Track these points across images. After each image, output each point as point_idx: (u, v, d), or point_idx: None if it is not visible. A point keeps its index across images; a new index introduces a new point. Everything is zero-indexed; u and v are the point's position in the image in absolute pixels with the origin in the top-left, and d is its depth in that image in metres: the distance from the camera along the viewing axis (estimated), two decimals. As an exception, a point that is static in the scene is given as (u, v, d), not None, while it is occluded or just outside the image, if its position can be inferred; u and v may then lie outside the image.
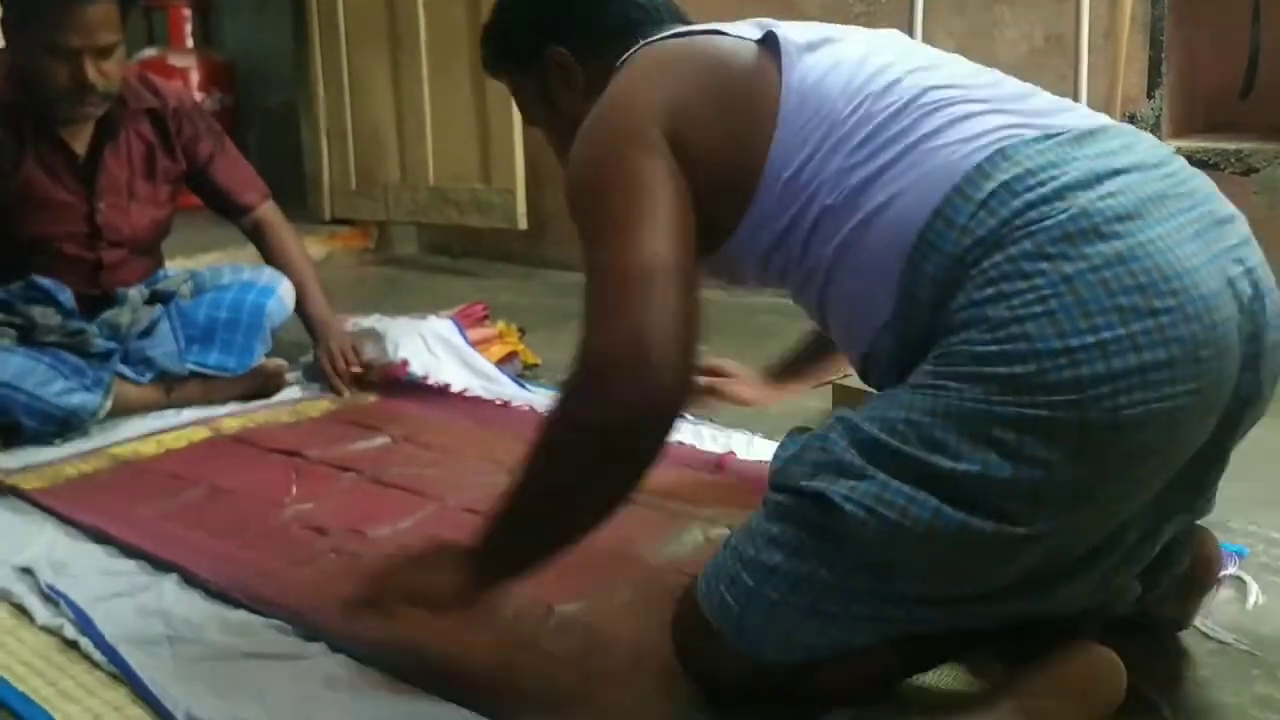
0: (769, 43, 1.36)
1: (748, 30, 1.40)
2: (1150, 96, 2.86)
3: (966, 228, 1.18)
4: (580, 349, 1.22)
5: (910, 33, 2.41)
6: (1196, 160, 2.79)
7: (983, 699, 1.29)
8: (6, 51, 2.40)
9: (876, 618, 1.23)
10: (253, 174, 2.72)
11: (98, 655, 1.48)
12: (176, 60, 5.14)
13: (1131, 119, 2.86)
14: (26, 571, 1.69)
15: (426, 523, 1.86)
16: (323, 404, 2.52)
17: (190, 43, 5.36)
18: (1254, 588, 1.60)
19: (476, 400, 2.50)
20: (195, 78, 5.13)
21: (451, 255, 4.43)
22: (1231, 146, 2.77)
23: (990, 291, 1.15)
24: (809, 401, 2.41)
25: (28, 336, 2.36)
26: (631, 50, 1.42)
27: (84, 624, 1.54)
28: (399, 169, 4.31)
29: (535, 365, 2.83)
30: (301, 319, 2.67)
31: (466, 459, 2.14)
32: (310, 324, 2.66)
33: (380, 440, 2.28)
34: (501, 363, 2.72)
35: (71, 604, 1.58)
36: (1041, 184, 1.17)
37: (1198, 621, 1.49)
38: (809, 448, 1.25)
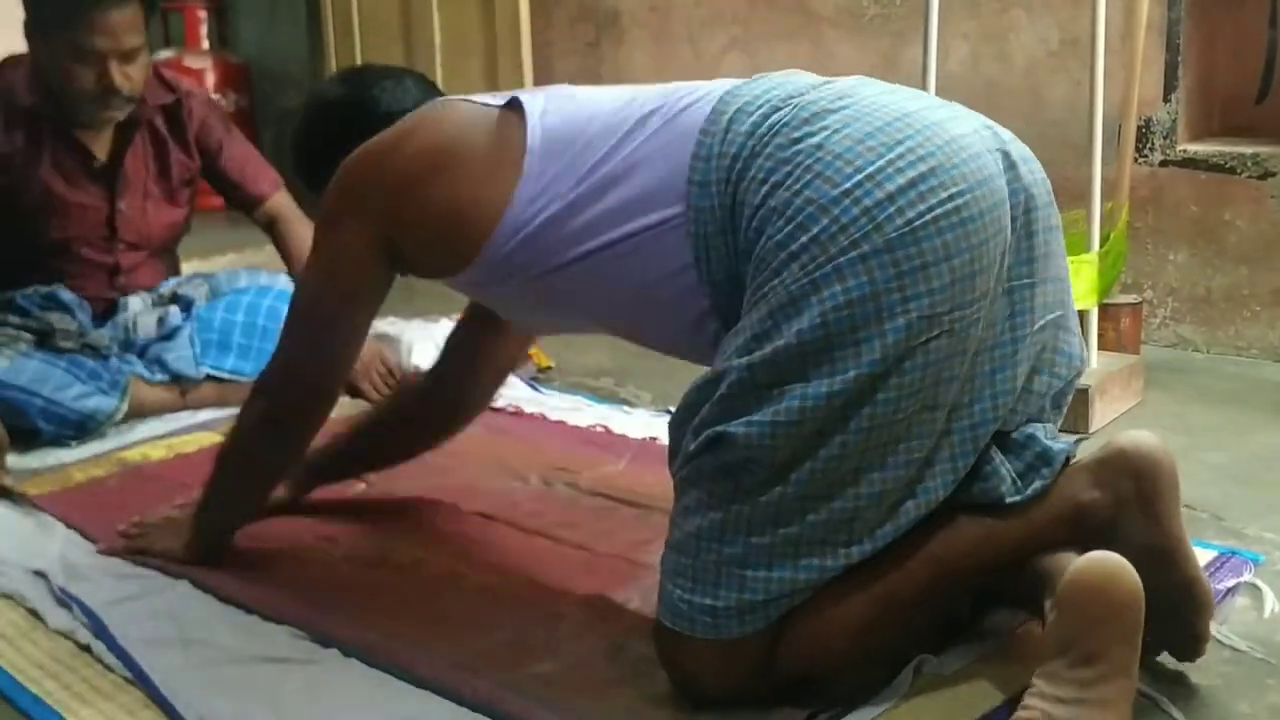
0: (513, 105, 1.54)
1: (491, 100, 1.58)
2: (1166, 100, 2.85)
3: (721, 153, 1.35)
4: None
5: (925, 36, 2.40)
6: (1213, 164, 2.78)
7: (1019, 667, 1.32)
8: (28, 55, 2.41)
9: (803, 536, 1.27)
10: (264, 163, 2.72)
11: (111, 659, 1.48)
12: (192, 61, 5.16)
13: (1147, 123, 2.85)
14: (40, 575, 1.70)
15: (438, 531, 1.86)
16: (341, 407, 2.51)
17: (206, 44, 5.37)
18: (1269, 595, 1.59)
19: (489, 407, 2.49)
20: (211, 79, 5.15)
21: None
22: (1248, 150, 2.75)
23: (765, 189, 1.30)
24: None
25: (45, 342, 2.37)
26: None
27: (97, 628, 1.54)
28: (413, 171, 4.31)
29: (548, 368, 2.83)
30: None
31: (479, 466, 2.14)
32: None
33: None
34: (514, 366, 2.72)
35: (85, 608, 1.59)
36: (769, 100, 1.37)
37: (1211, 628, 1.48)
38: (685, 420, 1.35)
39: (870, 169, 1.26)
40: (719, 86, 1.44)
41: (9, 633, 1.58)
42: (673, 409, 2.39)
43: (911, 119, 1.31)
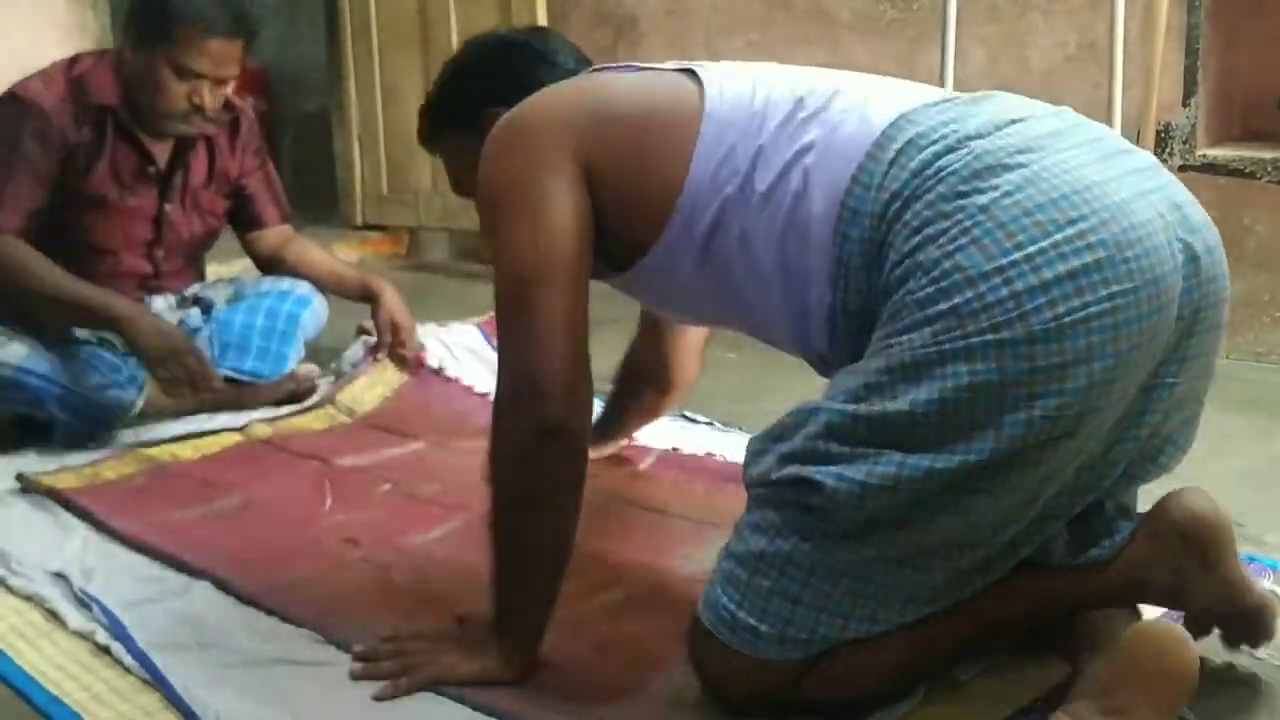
0: (691, 75, 1.44)
1: (669, 65, 1.47)
2: (1185, 104, 2.83)
3: (882, 185, 1.25)
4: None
5: (943, 40, 2.39)
6: (1233, 169, 2.77)
7: (1058, 699, 1.28)
8: (110, 54, 2.43)
9: (864, 591, 1.24)
10: (280, 194, 2.75)
11: (129, 660, 1.49)
12: (211, 67, 5.18)
13: (1166, 127, 2.84)
14: (60, 576, 1.71)
15: (457, 534, 1.87)
16: (355, 389, 2.52)
17: (225, 49, 5.39)
18: (1289, 604, 1.58)
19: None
20: (230, 84, 5.17)
21: (482, 261, 4.44)
22: (1268, 155, 2.74)
23: (917, 240, 1.21)
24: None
25: (64, 333, 2.38)
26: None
27: (116, 629, 1.55)
28: (430, 175, 4.31)
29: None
30: (350, 294, 2.68)
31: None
32: (365, 288, 2.65)
33: (414, 447, 2.29)
34: (531, 370, 2.71)
35: (104, 609, 1.60)
36: (944, 137, 1.26)
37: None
38: (776, 440, 1.29)
39: (1031, 248, 1.17)
40: (894, 98, 1.34)
41: (28, 633, 1.59)
42: (688, 413, 2.43)
43: (1091, 195, 1.20)
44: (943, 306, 1.18)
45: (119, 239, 2.46)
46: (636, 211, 1.38)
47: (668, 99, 1.41)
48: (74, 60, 2.44)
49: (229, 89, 2.42)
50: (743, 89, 1.39)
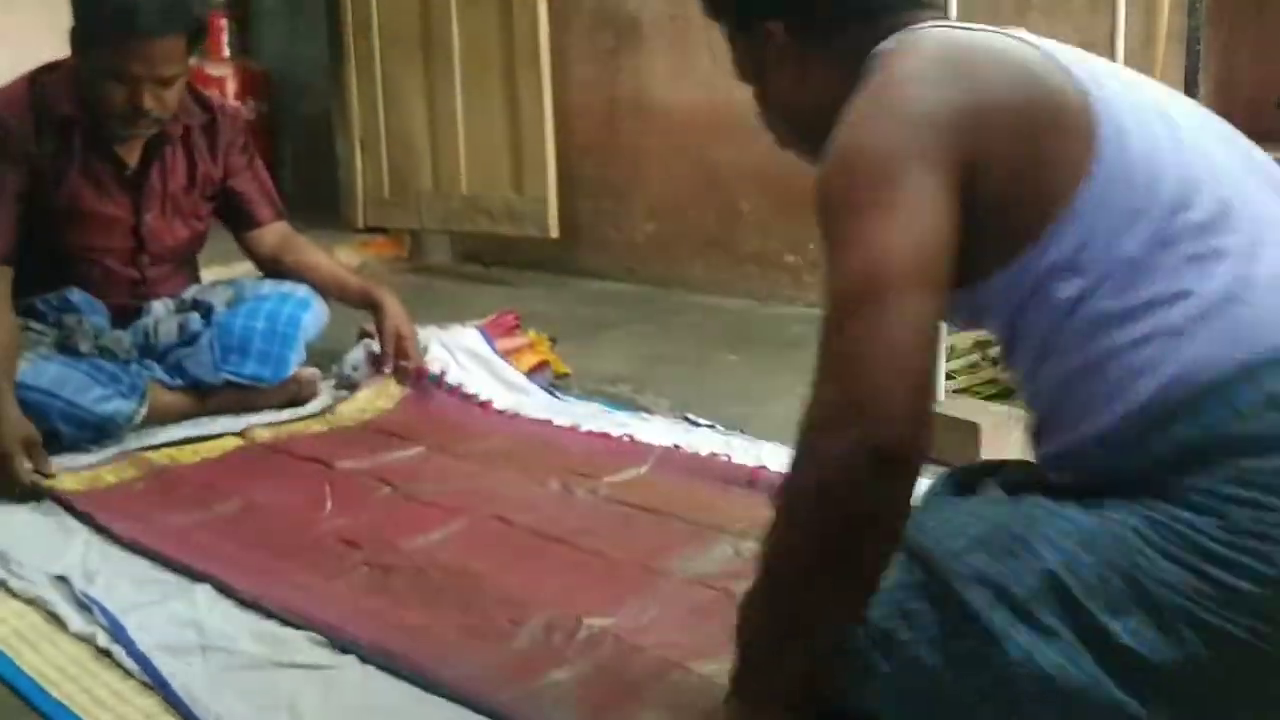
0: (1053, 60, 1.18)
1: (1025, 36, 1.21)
2: (1187, 106, 2.83)
3: (1242, 414, 1.06)
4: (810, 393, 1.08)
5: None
6: (1234, 170, 2.76)
7: None
8: (67, 62, 2.43)
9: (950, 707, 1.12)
10: (272, 193, 2.75)
11: (130, 663, 1.49)
12: (214, 70, 5.18)
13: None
14: (61, 579, 1.71)
15: (458, 536, 1.87)
16: (358, 402, 2.52)
17: (227, 52, 5.40)
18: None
19: (515, 415, 2.49)
20: (232, 87, 5.17)
21: (484, 263, 4.45)
22: (1271, 156, 2.73)
23: (1243, 494, 1.04)
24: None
25: (65, 345, 2.38)
26: (892, 36, 1.22)
27: (117, 632, 1.55)
28: (432, 178, 4.32)
29: (566, 375, 2.83)
30: (351, 301, 2.68)
31: (500, 471, 2.14)
32: (367, 295, 2.66)
33: (414, 450, 2.28)
34: (532, 372, 2.73)
35: (105, 612, 1.60)
36: None
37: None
38: (982, 542, 1.12)
39: None
40: (1268, 235, 1.12)
41: (30, 636, 1.59)
42: (691, 415, 2.43)
43: None
44: (1223, 576, 1.03)
45: (102, 246, 2.47)
46: (994, 236, 1.15)
47: (1045, 97, 1.15)
48: (38, 72, 2.44)
49: (175, 89, 2.38)
50: (1139, 146, 1.14)
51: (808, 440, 1.07)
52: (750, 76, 1.36)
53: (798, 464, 1.09)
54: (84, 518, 1.94)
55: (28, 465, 2.09)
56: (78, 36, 2.36)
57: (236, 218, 2.69)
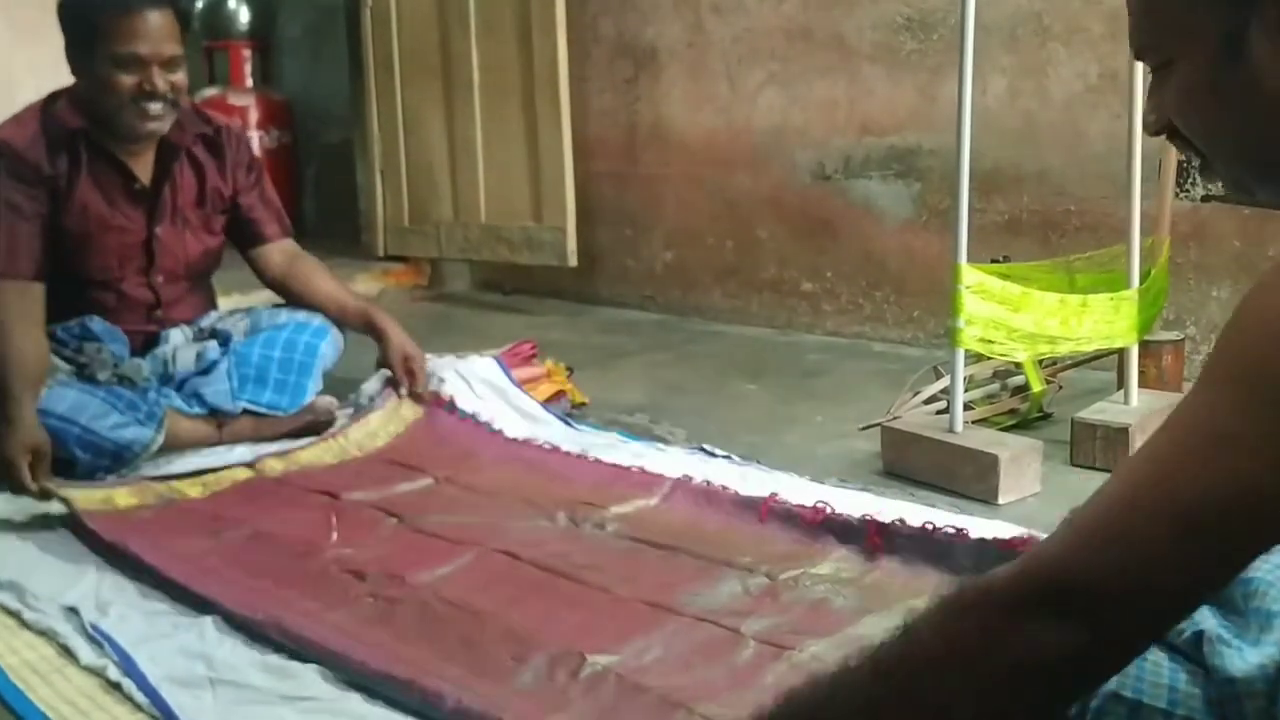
0: None
1: None
2: (1208, 134, 2.82)
3: None
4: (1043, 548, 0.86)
5: (960, 71, 2.38)
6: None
7: None
8: (71, 79, 2.46)
9: None
10: (280, 210, 2.77)
11: (140, 696, 1.49)
12: (236, 99, 5.23)
13: (1187, 159, 2.81)
14: (72, 611, 1.71)
15: (464, 571, 1.85)
16: (369, 426, 2.52)
17: (250, 82, 5.45)
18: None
19: (525, 442, 2.48)
20: (255, 116, 5.22)
21: (503, 292, 4.45)
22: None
23: None
24: (855, 442, 2.38)
25: (83, 372, 2.40)
26: None
27: (127, 665, 1.55)
28: (451, 207, 4.34)
29: (583, 404, 2.82)
30: (350, 324, 2.69)
31: (508, 503, 2.13)
32: (368, 321, 2.67)
33: (423, 482, 2.27)
34: (549, 401, 2.72)
35: (115, 645, 1.60)
36: None
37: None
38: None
39: None
40: None
41: (41, 668, 1.58)
42: (708, 446, 2.42)
43: None
44: None
45: (115, 263, 2.48)
46: None
47: None
48: (47, 99, 2.49)
49: (180, 74, 2.41)
50: None
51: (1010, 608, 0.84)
52: (1178, 47, 0.95)
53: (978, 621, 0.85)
54: (93, 540, 1.94)
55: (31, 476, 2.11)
56: (74, 47, 2.40)
57: (243, 234, 2.71)
